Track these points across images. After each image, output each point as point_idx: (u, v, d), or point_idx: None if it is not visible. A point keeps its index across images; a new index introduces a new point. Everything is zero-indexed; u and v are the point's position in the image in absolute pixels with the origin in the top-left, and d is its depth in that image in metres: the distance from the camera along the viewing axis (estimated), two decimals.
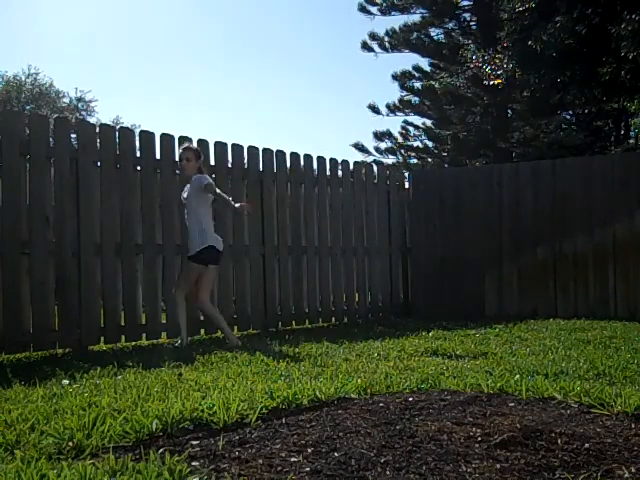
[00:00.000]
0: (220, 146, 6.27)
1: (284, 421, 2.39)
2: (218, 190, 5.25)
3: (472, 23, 17.50)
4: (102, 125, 6.09)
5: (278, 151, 6.79)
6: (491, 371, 3.44)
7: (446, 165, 18.49)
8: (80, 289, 5.17)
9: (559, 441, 2.11)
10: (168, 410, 2.39)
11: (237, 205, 5.30)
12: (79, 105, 29.82)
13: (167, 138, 5.79)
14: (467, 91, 17.73)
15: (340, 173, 7.53)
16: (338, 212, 7.44)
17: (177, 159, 5.56)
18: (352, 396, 2.79)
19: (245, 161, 6.65)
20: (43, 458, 1.95)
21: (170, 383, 3.19)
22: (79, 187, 5.22)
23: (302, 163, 7.03)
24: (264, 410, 2.50)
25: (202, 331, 5.99)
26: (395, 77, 17.69)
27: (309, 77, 53.58)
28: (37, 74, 29.25)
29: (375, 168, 8.22)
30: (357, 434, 2.21)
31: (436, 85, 17.88)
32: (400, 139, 19.14)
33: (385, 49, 17.71)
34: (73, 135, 5.56)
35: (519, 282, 7.71)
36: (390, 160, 19.29)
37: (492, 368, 3.55)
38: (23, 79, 29.07)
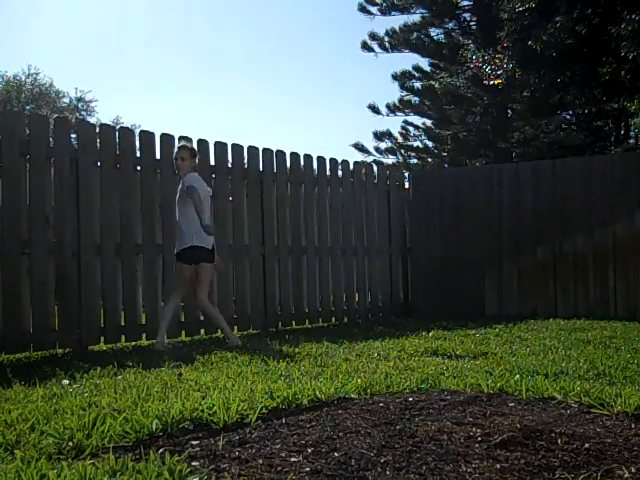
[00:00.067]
0: (220, 146, 6.27)
1: (284, 421, 2.39)
2: (195, 194, 5.01)
3: (472, 23, 17.51)
4: (102, 125, 6.09)
5: (278, 151, 6.80)
6: (491, 371, 3.44)
7: (446, 165, 18.49)
8: (80, 289, 5.17)
9: (559, 441, 2.11)
10: (168, 410, 2.39)
11: (204, 224, 5.02)
12: (79, 105, 29.85)
13: (167, 138, 5.79)
14: (467, 91, 17.74)
15: (340, 173, 7.53)
16: (338, 212, 7.44)
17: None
18: (352, 396, 2.79)
19: (245, 161, 6.65)
20: (43, 458, 1.95)
21: (170, 383, 3.19)
22: (79, 187, 5.22)
23: (302, 163, 7.03)
24: (264, 410, 2.50)
25: (202, 331, 5.99)
26: (395, 77, 17.70)
27: (309, 77, 53.62)
28: (37, 74, 29.28)
29: (375, 168, 8.22)
30: (357, 434, 2.21)
31: (436, 85, 17.89)
32: (400, 139, 19.15)
33: (385, 49, 17.72)
34: (73, 135, 5.56)
35: (519, 282, 7.70)
36: (390, 160, 19.32)
37: (492, 368, 3.55)
38: (23, 79, 29.10)
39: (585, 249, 7.37)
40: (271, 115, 55.00)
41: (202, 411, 2.41)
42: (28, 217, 4.94)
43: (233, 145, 6.39)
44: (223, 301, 6.11)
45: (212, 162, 6.18)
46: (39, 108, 26.72)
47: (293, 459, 1.95)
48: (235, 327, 6.24)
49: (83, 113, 29.48)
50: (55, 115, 19.88)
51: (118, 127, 5.91)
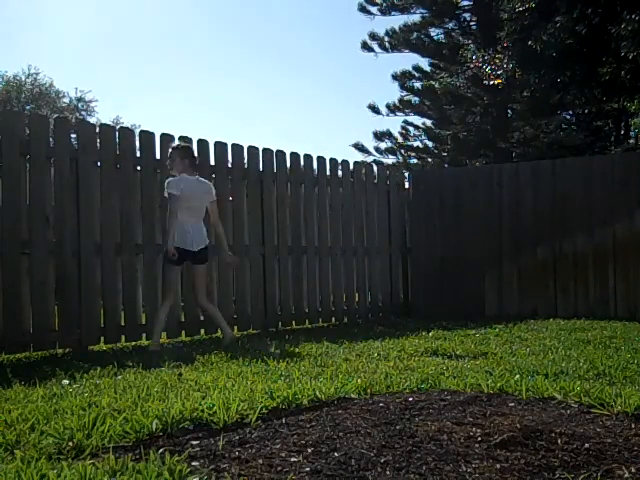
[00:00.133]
0: (220, 146, 6.27)
1: (284, 421, 2.39)
2: (171, 197, 5.00)
3: (472, 23, 17.52)
4: (102, 125, 6.09)
5: (278, 151, 6.79)
6: (491, 371, 3.44)
7: (446, 165, 18.49)
8: (80, 289, 5.17)
9: (559, 441, 2.11)
10: (168, 410, 2.39)
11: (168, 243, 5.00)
12: (79, 105, 29.87)
13: (167, 138, 5.79)
14: (467, 91, 17.74)
15: (340, 173, 7.53)
16: (338, 212, 7.44)
17: None
18: (352, 396, 2.79)
19: (245, 161, 6.65)
20: (43, 458, 1.95)
21: (170, 383, 3.18)
22: (79, 187, 5.22)
23: (302, 163, 7.03)
24: (264, 410, 2.50)
25: (202, 331, 5.99)
26: (395, 77, 17.70)
27: (309, 77, 53.64)
28: (37, 74, 29.31)
29: (375, 168, 8.22)
30: (357, 434, 2.21)
31: (436, 85, 17.90)
32: (400, 139, 19.16)
33: (385, 49, 17.72)
34: (73, 135, 5.55)
35: (519, 282, 7.70)
36: (390, 160, 19.33)
37: (492, 368, 3.55)
38: (23, 79, 29.12)
39: (585, 249, 7.37)
40: (271, 115, 55.03)
41: (202, 411, 2.41)
42: (28, 217, 4.94)
43: (233, 145, 6.39)
44: (223, 301, 6.11)
45: (212, 162, 6.18)
46: (39, 108, 26.73)
47: (293, 459, 1.95)
48: (235, 327, 6.24)
49: (83, 113, 29.51)
50: (55, 115, 19.88)
51: (118, 127, 5.91)
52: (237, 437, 2.19)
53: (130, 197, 5.55)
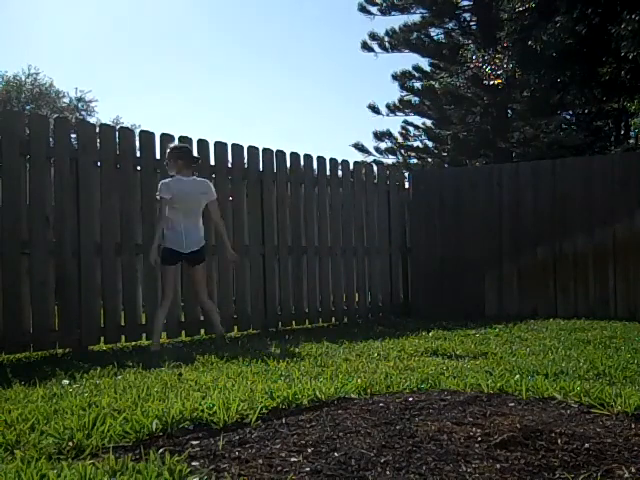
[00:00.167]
0: (220, 146, 6.27)
1: (284, 421, 2.39)
2: (161, 201, 5.00)
3: (472, 23, 17.51)
4: (102, 125, 6.09)
5: (278, 151, 6.79)
6: (491, 371, 3.44)
7: (446, 165, 18.49)
8: (80, 289, 5.17)
9: (559, 441, 2.11)
10: (168, 410, 2.39)
11: (152, 248, 4.99)
12: (79, 105, 29.87)
13: (167, 138, 5.78)
14: (467, 91, 17.74)
15: (340, 173, 7.53)
16: (338, 212, 7.44)
17: None
18: (352, 396, 2.79)
19: (245, 161, 6.65)
20: (43, 458, 1.95)
21: (170, 383, 3.18)
22: (79, 187, 5.22)
23: (302, 163, 7.03)
24: (264, 410, 2.50)
25: (202, 331, 5.99)
26: (395, 77, 17.70)
27: (309, 77, 53.65)
28: (37, 74, 29.31)
29: (375, 168, 8.21)
30: (357, 434, 2.21)
31: (436, 85, 17.90)
32: (400, 139, 19.16)
33: (385, 49, 17.72)
34: (73, 135, 5.55)
35: (519, 282, 7.70)
36: (390, 160, 19.33)
37: (492, 368, 3.55)
38: (23, 79, 29.12)
39: (585, 249, 7.37)
40: (271, 115, 55.04)
41: (202, 411, 2.41)
42: (28, 217, 4.94)
43: (233, 145, 6.39)
44: (223, 301, 6.11)
45: (212, 162, 6.18)
46: (39, 108, 26.73)
47: (293, 459, 1.96)
48: (235, 327, 6.25)
49: (83, 113, 29.51)
50: (55, 115, 19.89)
51: (118, 127, 5.91)
52: (237, 437, 2.19)
53: (130, 197, 5.55)
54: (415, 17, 17.50)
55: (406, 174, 9.79)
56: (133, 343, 5.49)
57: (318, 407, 2.61)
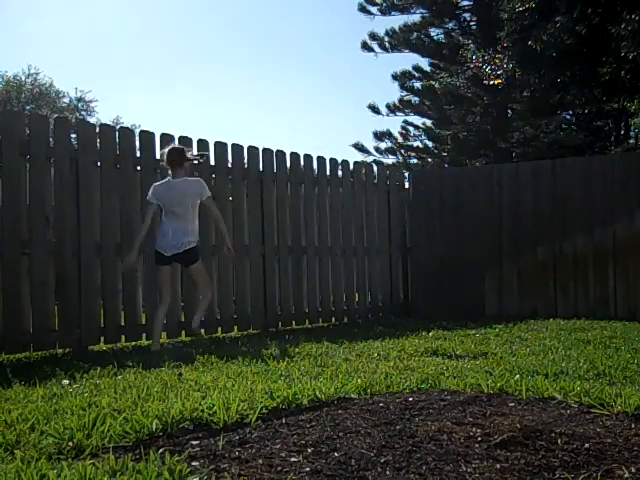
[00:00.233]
0: (220, 146, 6.27)
1: (284, 421, 2.39)
2: (149, 204, 5.05)
3: (472, 23, 17.52)
4: (102, 125, 6.09)
5: (278, 151, 6.80)
6: (491, 371, 3.44)
7: (446, 165, 18.49)
8: (80, 289, 5.17)
9: (559, 441, 2.11)
10: (168, 410, 2.38)
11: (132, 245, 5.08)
12: (79, 105, 29.87)
13: (167, 138, 5.78)
14: (467, 91, 17.74)
15: (340, 173, 7.53)
16: (338, 212, 7.44)
17: None
18: (352, 396, 2.78)
19: (245, 161, 6.65)
20: (43, 458, 1.95)
21: (170, 383, 3.18)
22: (79, 187, 5.22)
23: (302, 163, 7.03)
24: (264, 410, 2.50)
25: (202, 331, 5.99)
26: (395, 77, 17.71)
27: (309, 77, 53.65)
28: (37, 74, 29.31)
29: (375, 168, 8.22)
30: (357, 434, 2.21)
31: (436, 85, 17.90)
32: (400, 139, 19.16)
33: (385, 49, 17.73)
34: (73, 135, 5.56)
35: (519, 282, 7.70)
36: (390, 160, 19.34)
37: (492, 368, 3.55)
38: (23, 79, 29.12)
39: (585, 249, 7.37)
40: (271, 115, 55.06)
41: (202, 411, 2.41)
42: (28, 217, 4.94)
43: (233, 145, 6.39)
44: (223, 301, 6.12)
45: (212, 162, 6.18)
46: (39, 108, 26.73)
47: (293, 459, 1.95)
48: (235, 327, 6.25)
49: (83, 113, 29.51)
50: (55, 115, 19.88)
51: (118, 127, 5.91)
52: (237, 437, 2.19)
53: (130, 197, 5.55)
54: (415, 17, 17.54)
55: (406, 174, 9.80)
56: (133, 343, 5.49)
57: (318, 407, 2.61)
